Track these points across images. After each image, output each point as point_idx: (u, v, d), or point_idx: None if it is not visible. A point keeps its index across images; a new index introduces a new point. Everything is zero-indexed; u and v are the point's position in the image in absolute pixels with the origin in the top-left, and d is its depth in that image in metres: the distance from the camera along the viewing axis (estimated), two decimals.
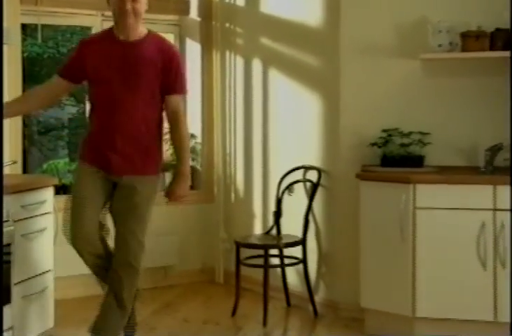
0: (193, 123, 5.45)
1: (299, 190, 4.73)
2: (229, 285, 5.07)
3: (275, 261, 4.69)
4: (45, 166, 5.44)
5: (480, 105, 4.28)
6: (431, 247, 3.89)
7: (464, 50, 4.16)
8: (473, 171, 4.10)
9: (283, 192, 4.76)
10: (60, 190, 5.03)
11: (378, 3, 4.39)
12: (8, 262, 3.50)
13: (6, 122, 4.19)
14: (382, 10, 4.38)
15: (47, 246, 3.88)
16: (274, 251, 4.55)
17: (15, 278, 3.57)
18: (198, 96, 5.44)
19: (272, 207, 4.85)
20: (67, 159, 5.72)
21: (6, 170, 4.17)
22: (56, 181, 4.12)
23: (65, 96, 3.71)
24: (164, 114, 3.54)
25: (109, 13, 3.60)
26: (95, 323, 3.56)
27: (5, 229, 3.41)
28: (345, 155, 4.43)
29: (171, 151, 3.85)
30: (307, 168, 4.67)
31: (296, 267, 4.61)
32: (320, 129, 4.60)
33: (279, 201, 4.76)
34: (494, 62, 4.17)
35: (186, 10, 5.41)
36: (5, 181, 3.46)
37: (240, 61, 5.24)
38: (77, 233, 3.48)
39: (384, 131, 4.31)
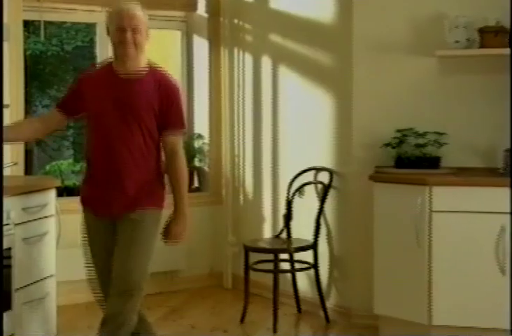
0: (200, 123, 5.53)
1: (310, 192, 4.71)
2: (237, 290, 5.08)
3: (286, 266, 4.68)
4: (47, 167, 5.40)
5: (498, 104, 4.22)
6: (448, 252, 3.86)
7: (482, 46, 4.12)
8: (492, 172, 4.05)
9: (294, 194, 4.73)
10: (63, 191, 5.00)
11: None
12: (9, 266, 3.47)
13: (10, 121, 4.23)
14: (397, 5, 4.35)
15: (49, 251, 3.85)
16: (284, 256, 4.55)
17: (15, 283, 3.55)
18: (205, 95, 5.44)
19: (282, 210, 4.82)
20: (71, 160, 5.69)
21: (7, 171, 4.18)
22: (58, 183, 4.10)
23: (60, 128, 3.70)
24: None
25: None
26: None
27: (5, 233, 3.39)
28: (357, 156, 4.41)
29: None
30: (318, 169, 4.65)
31: (307, 272, 4.59)
32: (331, 129, 4.58)
33: (289, 204, 4.73)
34: None
35: (193, 6, 5.40)
36: (6, 183, 3.44)
37: (249, 58, 5.22)
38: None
39: (398, 131, 4.27)
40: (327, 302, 4.54)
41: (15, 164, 4.32)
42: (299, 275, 4.68)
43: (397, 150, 4.23)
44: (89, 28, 6.13)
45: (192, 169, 5.45)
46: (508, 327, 3.74)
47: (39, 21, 4.88)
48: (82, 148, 3.74)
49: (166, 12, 5.25)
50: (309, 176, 4.69)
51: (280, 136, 4.97)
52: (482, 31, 4.09)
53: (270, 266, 4.40)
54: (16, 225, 3.52)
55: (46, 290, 3.82)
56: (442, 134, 4.22)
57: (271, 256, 4.40)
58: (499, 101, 4.21)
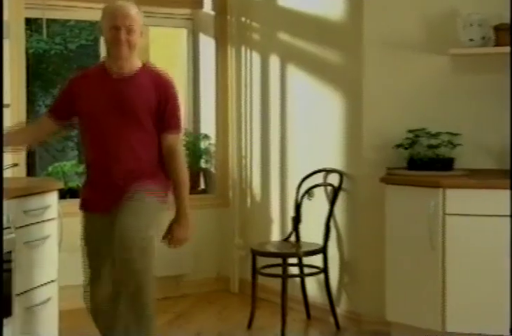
0: (206, 123, 5.53)
1: (320, 194, 4.67)
2: (244, 295, 5.06)
3: (294, 270, 4.66)
4: (50, 168, 5.37)
5: None
6: (463, 256, 3.84)
7: (497, 44, 4.10)
8: (507, 174, 3.98)
9: (302, 197, 4.70)
10: (66, 194, 4.97)
11: None
12: (9, 271, 3.45)
13: (11, 121, 4.25)
14: (408, 2, 4.33)
15: (51, 254, 3.84)
16: (293, 260, 4.53)
17: (16, 288, 3.52)
18: (212, 94, 5.42)
19: (290, 212, 4.80)
20: (75, 161, 5.67)
21: (9, 173, 4.18)
22: (61, 185, 4.09)
23: (54, 133, 3.70)
24: None
25: None
26: None
27: (6, 237, 3.37)
28: (368, 157, 4.39)
29: None
30: (328, 171, 4.63)
31: (316, 276, 4.57)
32: (341, 130, 4.55)
33: (298, 206, 4.71)
34: None
35: (199, 4, 5.39)
36: (7, 185, 3.44)
37: (256, 57, 5.21)
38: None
39: (410, 131, 4.25)
40: (337, 307, 4.52)
41: (16, 165, 4.29)
42: (308, 280, 4.66)
43: (409, 151, 4.21)
44: (93, 26, 6.14)
45: (198, 171, 5.45)
46: None
47: (42, 19, 4.87)
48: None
49: (171, 9, 5.25)
50: (318, 178, 4.66)
51: (289, 137, 4.95)
52: (498, 29, 4.09)
53: (278, 270, 4.38)
54: (17, 228, 3.51)
55: (48, 295, 3.80)
56: (455, 134, 4.19)
57: (279, 260, 4.37)
58: None
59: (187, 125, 5.45)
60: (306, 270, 4.55)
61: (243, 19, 5.25)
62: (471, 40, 4.09)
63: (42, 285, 3.74)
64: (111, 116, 3.32)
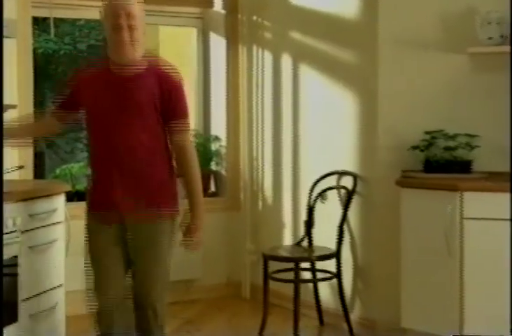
0: (217, 125, 5.52)
1: (333, 197, 4.65)
2: (256, 300, 5.03)
3: (307, 275, 4.63)
4: (58, 170, 5.35)
5: None
6: (481, 261, 3.81)
7: None
8: None
9: (315, 200, 4.67)
10: (74, 196, 4.98)
11: None
12: (15, 275, 3.45)
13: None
14: None
15: (57, 259, 3.83)
16: (305, 264, 4.51)
17: (22, 294, 3.52)
18: (223, 95, 5.42)
19: (303, 216, 4.77)
20: (83, 163, 5.67)
21: (15, 175, 4.19)
22: (68, 187, 4.09)
23: (61, 127, 3.63)
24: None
25: None
26: None
27: (11, 241, 3.38)
28: (383, 160, 4.36)
29: None
30: (341, 173, 4.61)
31: (329, 281, 4.55)
32: (355, 131, 4.53)
33: (311, 210, 4.68)
34: None
35: (210, 2, 5.38)
36: (13, 187, 3.48)
37: (268, 56, 5.20)
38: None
39: (427, 133, 4.23)
40: (351, 313, 4.50)
41: (21, 167, 4.27)
42: (321, 285, 4.65)
43: (426, 153, 4.20)
44: (102, 26, 6.10)
45: (209, 173, 5.44)
46: None
47: (50, 18, 4.87)
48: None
49: (181, 8, 5.25)
50: (332, 181, 4.65)
51: (301, 138, 4.94)
52: None
53: (290, 275, 4.35)
54: (23, 232, 3.50)
55: (55, 300, 3.79)
56: (473, 136, 4.17)
57: (291, 265, 4.34)
58: None
59: (197, 126, 5.46)
60: (319, 275, 4.53)
61: (255, 17, 5.25)
62: (490, 38, 4.07)
63: (48, 290, 3.73)
64: (115, 115, 3.28)
